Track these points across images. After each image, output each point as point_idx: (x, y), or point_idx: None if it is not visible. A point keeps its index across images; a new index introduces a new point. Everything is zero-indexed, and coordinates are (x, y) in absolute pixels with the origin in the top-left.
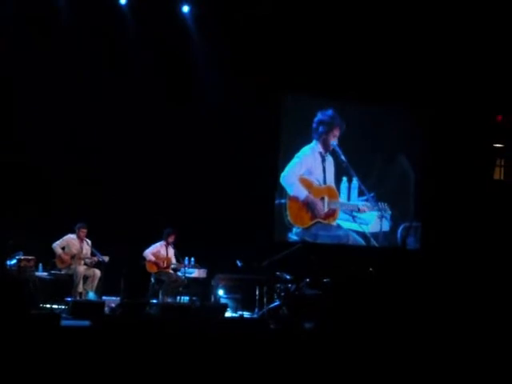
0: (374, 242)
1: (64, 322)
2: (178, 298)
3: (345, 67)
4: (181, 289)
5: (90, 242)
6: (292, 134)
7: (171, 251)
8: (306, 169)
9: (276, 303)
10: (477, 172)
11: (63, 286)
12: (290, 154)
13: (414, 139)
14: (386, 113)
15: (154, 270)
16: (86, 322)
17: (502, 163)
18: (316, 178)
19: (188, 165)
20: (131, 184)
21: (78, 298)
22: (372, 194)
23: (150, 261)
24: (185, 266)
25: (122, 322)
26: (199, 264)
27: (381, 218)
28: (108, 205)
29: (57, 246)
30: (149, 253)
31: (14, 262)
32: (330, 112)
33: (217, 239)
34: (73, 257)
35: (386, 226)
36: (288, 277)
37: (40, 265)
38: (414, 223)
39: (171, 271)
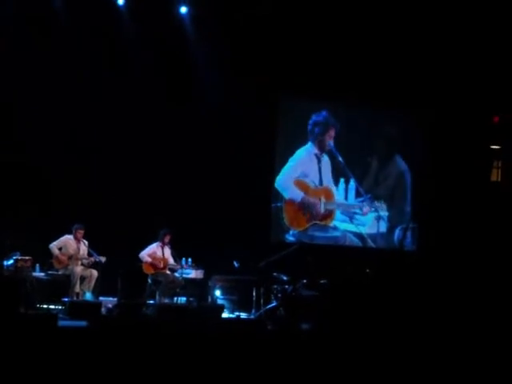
0: (370, 243)
1: (61, 323)
2: (175, 298)
3: (341, 68)
4: (178, 289)
5: (87, 242)
6: (288, 135)
7: (167, 251)
8: (302, 171)
9: (273, 304)
10: (474, 173)
11: (60, 286)
12: (287, 155)
13: (411, 140)
14: (383, 114)
15: (150, 271)
16: (83, 323)
17: (499, 165)
18: (312, 179)
19: (185, 165)
20: (128, 185)
21: (74, 299)
22: (369, 195)
23: (146, 262)
24: (182, 267)
25: (119, 323)
26: (196, 265)
27: (378, 219)
28: (105, 205)
29: (54, 246)
30: (145, 254)
31: (11, 262)
32: (324, 113)
33: (214, 240)
34: (70, 257)
35: (382, 227)
36: (285, 278)
37: (37, 265)
38: (411, 224)
39: (168, 272)
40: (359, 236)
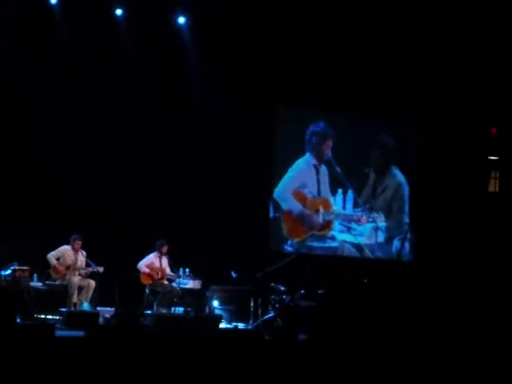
0: (368, 254)
1: (58, 333)
2: (173, 309)
3: (338, 79)
4: (175, 300)
5: (84, 253)
6: (287, 146)
7: (165, 262)
8: (300, 182)
9: (270, 314)
10: (472, 184)
11: (58, 296)
12: (286, 165)
13: (408, 151)
14: (380, 125)
15: (148, 281)
16: (81, 333)
17: (497, 175)
18: (310, 190)
19: (184, 175)
20: (126, 195)
21: (72, 309)
22: (367, 206)
23: (144, 273)
24: (179, 277)
25: (117, 333)
26: (194, 275)
27: (376, 229)
28: (103, 216)
29: (52, 256)
30: (143, 265)
31: (8, 272)
32: (322, 123)
33: (212, 250)
34: (67, 267)
35: (380, 237)
36: (282, 288)
37: (35, 275)
38: (409, 235)
39: (166, 282)
40: (357, 246)
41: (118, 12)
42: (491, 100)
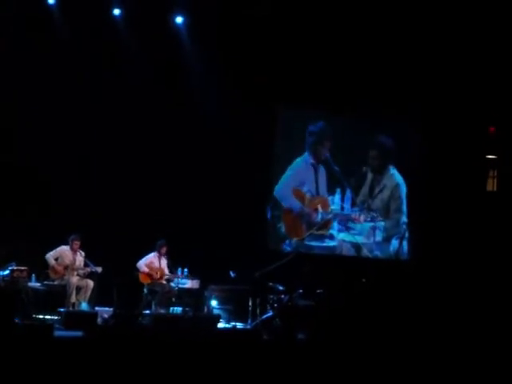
0: (366, 253)
1: (57, 333)
2: (171, 308)
3: (337, 79)
4: (173, 299)
5: (83, 253)
6: (286, 145)
7: (164, 262)
8: (299, 181)
9: (269, 314)
10: (470, 183)
11: (56, 296)
12: (285, 164)
13: (406, 151)
14: (378, 125)
15: (147, 281)
16: (79, 333)
17: (495, 174)
18: (309, 189)
19: (182, 175)
20: (125, 195)
21: (70, 309)
22: (365, 205)
23: (143, 272)
24: (178, 277)
25: (115, 333)
26: (192, 275)
27: (374, 228)
28: (101, 216)
29: (50, 256)
30: (142, 264)
31: (6, 272)
32: (321, 123)
33: (210, 250)
34: (66, 268)
35: (379, 236)
36: (281, 288)
37: (33, 275)
38: (407, 234)
39: (164, 282)
40: (355, 246)
41: (116, 12)
42: (489, 99)
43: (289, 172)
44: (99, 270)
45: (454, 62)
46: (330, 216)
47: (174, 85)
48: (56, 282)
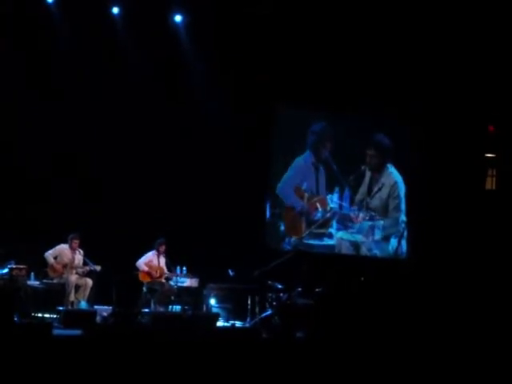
0: (365, 252)
1: (56, 331)
2: (170, 307)
3: (336, 78)
4: (173, 298)
5: (82, 252)
6: (285, 144)
7: (163, 260)
8: (300, 179)
9: (268, 312)
10: (468, 182)
11: (55, 295)
12: (286, 163)
13: (405, 150)
14: (376, 124)
15: (146, 279)
16: (78, 331)
17: (494, 173)
18: (309, 187)
19: (182, 173)
20: (124, 194)
21: (69, 307)
22: (363, 204)
23: (143, 271)
24: (177, 275)
25: (114, 331)
26: (191, 273)
27: (372, 227)
28: (100, 215)
29: (49, 255)
30: (142, 263)
31: (5, 270)
32: (322, 123)
33: (209, 248)
34: (65, 266)
35: (377, 235)
36: (280, 286)
37: (32, 274)
38: (406, 233)
39: (164, 280)
40: (354, 244)
41: (115, 10)
42: (488, 98)
43: (290, 171)
44: (98, 268)
45: (453, 60)
46: (329, 215)
47: (173, 83)
48: (55, 281)
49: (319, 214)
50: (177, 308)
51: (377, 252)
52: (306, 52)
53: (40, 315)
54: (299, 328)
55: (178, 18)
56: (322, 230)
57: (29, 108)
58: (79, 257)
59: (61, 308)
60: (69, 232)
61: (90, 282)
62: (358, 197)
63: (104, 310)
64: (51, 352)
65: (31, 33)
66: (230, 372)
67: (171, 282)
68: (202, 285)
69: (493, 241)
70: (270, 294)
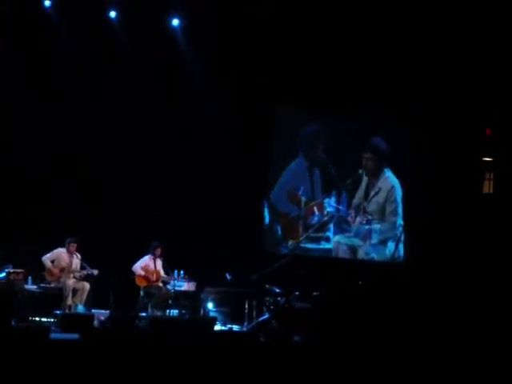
0: (362, 256)
1: (53, 335)
2: (168, 311)
3: (333, 82)
4: (170, 302)
5: (79, 255)
6: (282, 148)
7: (159, 264)
8: (295, 184)
9: (265, 316)
10: (466, 185)
11: (52, 299)
12: (281, 167)
13: (401, 153)
14: (373, 127)
15: (143, 283)
16: (75, 335)
17: (491, 177)
18: (306, 192)
19: (178, 177)
20: (121, 198)
21: (67, 311)
22: (360, 208)
23: (139, 275)
24: (174, 279)
25: (112, 335)
26: (188, 277)
27: (370, 231)
28: (97, 219)
29: (46, 259)
30: (138, 267)
31: (3, 275)
32: (312, 127)
33: (206, 252)
34: (62, 270)
35: (374, 239)
36: (277, 290)
37: (29, 278)
38: (403, 237)
39: (161, 284)
40: (351, 248)
41: (112, 14)
42: (486, 101)
43: (284, 176)
44: (95, 272)
45: (450, 63)
46: (326, 218)
47: (173, 85)
48: (52, 285)
49: (316, 218)
50: (174, 312)
51: (374, 256)
52: (305, 53)
53: (37, 319)
54: (297, 332)
55: (176, 21)
56: (319, 234)
57: (29, 109)
58: (76, 261)
59: (58, 312)
60: (66, 235)
61: (87, 285)
62: (355, 201)
63: (101, 314)
64: (49, 356)
65: (31, 34)
66: (227, 376)
67: (168, 286)
68: (199, 288)
69: (490, 244)
70: (267, 298)
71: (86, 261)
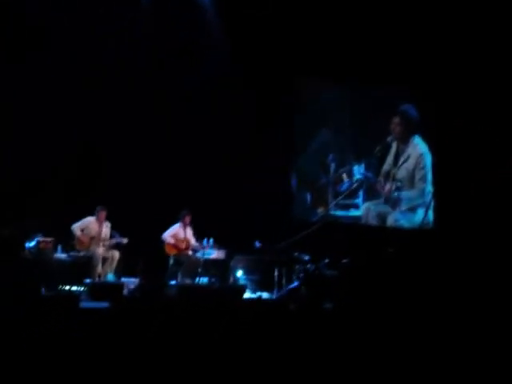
0: (392, 222)
1: (83, 304)
2: (197, 279)
3: (356, 50)
4: (199, 270)
5: (109, 224)
6: (310, 117)
7: (189, 232)
8: (323, 152)
9: (295, 284)
10: (496, 152)
11: (82, 267)
12: (308, 135)
13: (430, 120)
14: (402, 95)
15: (173, 252)
16: (105, 304)
17: None
18: (333, 159)
19: (207, 146)
20: (150, 167)
21: (96, 280)
22: (390, 175)
23: (169, 243)
24: (204, 247)
25: (141, 304)
26: (218, 245)
27: (399, 198)
28: (127, 188)
29: (76, 227)
30: (168, 235)
31: (33, 243)
32: (334, 93)
33: (236, 220)
34: (92, 239)
35: (404, 205)
36: (307, 257)
37: (59, 247)
38: (433, 203)
39: (190, 252)
40: (380, 215)
41: None
42: None
43: (312, 144)
44: (125, 240)
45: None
46: (355, 185)
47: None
48: (82, 253)
49: (345, 185)
50: (204, 280)
51: (403, 222)
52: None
53: (67, 288)
54: (326, 299)
55: None
56: (348, 201)
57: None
58: (106, 229)
59: (88, 281)
60: (96, 205)
61: (116, 254)
62: (385, 167)
63: (131, 283)
64: (78, 324)
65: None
66: (256, 344)
67: (198, 254)
68: (228, 257)
69: None
70: (297, 266)
71: (116, 229)
